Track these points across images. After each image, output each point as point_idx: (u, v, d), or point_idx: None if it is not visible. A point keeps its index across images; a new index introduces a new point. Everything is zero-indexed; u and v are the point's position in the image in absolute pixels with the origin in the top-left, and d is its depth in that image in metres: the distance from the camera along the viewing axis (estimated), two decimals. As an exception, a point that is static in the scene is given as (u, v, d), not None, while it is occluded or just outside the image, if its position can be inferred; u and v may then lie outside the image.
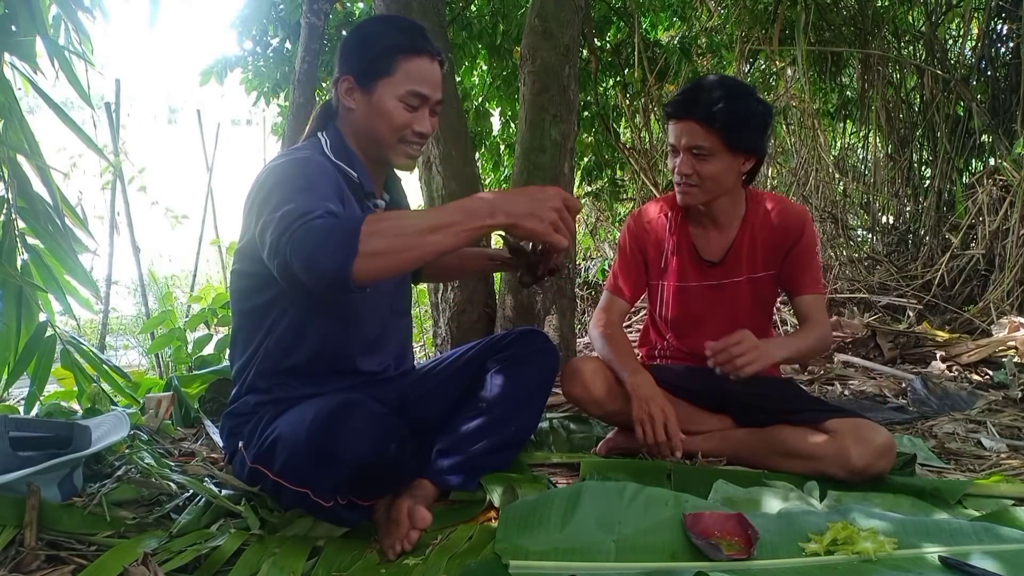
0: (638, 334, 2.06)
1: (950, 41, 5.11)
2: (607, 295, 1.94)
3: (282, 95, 4.61)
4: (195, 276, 5.12)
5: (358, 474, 1.23)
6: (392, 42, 1.36)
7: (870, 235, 5.35)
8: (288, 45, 4.40)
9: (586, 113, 4.72)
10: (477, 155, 4.65)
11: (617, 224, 5.86)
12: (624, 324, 1.98)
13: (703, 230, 1.83)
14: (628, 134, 5.32)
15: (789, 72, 5.19)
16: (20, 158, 1.98)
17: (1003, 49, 4.51)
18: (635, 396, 1.66)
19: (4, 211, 2.01)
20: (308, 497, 1.24)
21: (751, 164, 1.74)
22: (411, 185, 1.72)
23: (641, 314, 3.48)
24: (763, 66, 5.30)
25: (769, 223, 1.78)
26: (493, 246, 1.74)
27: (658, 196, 2.17)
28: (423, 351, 4.85)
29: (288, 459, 1.25)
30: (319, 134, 1.45)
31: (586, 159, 5.04)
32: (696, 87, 1.68)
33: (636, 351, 1.98)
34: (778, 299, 1.91)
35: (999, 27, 4.48)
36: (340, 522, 1.34)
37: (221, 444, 1.63)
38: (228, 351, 1.55)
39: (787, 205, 1.81)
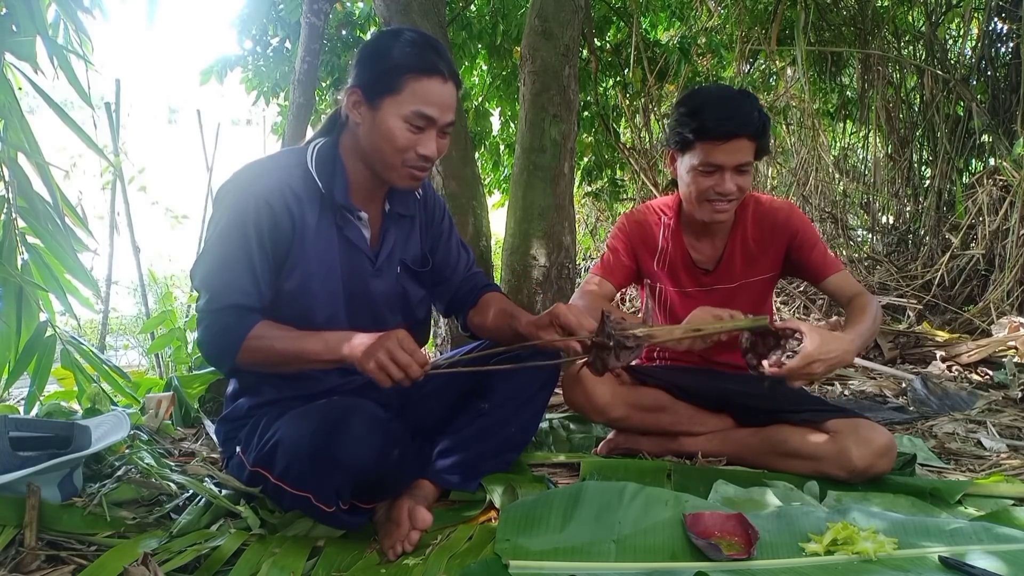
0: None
1: (950, 41, 5.11)
2: (595, 277, 1.85)
3: (282, 95, 4.62)
4: (195, 276, 5.10)
5: (360, 480, 1.23)
6: (402, 60, 1.30)
7: (870, 235, 5.35)
8: (288, 45, 4.41)
9: (586, 113, 4.72)
10: (477, 155, 4.65)
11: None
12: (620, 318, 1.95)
13: (697, 239, 1.82)
14: (628, 134, 5.32)
15: (789, 72, 5.19)
16: (20, 157, 1.98)
17: (1003, 49, 4.50)
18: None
19: (4, 211, 2.01)
20: (310, 501, 1.24)
21: None
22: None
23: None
24: (763, 66, 5.29)
25: (758, 226, 1.78)
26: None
27: (657, 196, 2.16)
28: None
29: (289, 464, 1.24)
30: (313, 142, 1.43)
31: (586, 159, 5.05)
32: (735, 101, 1.60)
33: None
34: (774, 299, 1.90)
35: (999, 27, 4.48)
36: (341, 526, 1.34)
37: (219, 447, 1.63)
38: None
39: (771, 204, 1.79)
